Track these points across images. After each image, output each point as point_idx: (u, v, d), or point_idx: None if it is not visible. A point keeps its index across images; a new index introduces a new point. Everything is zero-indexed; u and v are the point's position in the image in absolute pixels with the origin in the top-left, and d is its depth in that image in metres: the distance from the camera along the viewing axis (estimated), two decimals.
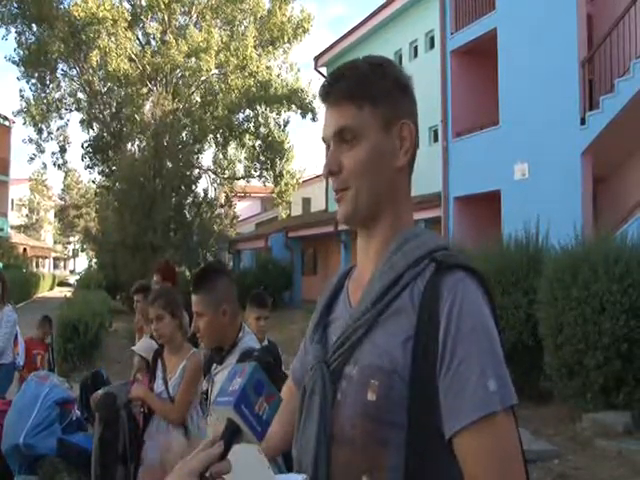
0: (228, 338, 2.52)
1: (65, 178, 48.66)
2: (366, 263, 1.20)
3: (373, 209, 1.16)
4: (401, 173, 1.18)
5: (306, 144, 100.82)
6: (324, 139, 1.21)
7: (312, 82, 28.65)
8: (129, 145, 26.25)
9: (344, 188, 1.15)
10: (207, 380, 2.63)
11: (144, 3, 26.01)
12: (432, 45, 17.88)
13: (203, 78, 26.46)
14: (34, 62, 25.81)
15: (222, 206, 27.64)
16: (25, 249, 38.39)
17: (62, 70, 27.53)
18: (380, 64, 1.19)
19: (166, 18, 26.27)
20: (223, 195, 28.76)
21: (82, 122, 27.49)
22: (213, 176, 29.06)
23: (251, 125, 28.31)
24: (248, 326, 2.78)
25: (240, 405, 0.96)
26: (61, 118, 28.20)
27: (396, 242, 1.15)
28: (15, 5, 25.63)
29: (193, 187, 26.12)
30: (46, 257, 54.49)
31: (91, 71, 25.97)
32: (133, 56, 25.59)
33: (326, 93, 1.19)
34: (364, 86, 1.15)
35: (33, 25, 25.99)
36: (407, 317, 1.07)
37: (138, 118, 25.26)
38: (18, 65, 26.46)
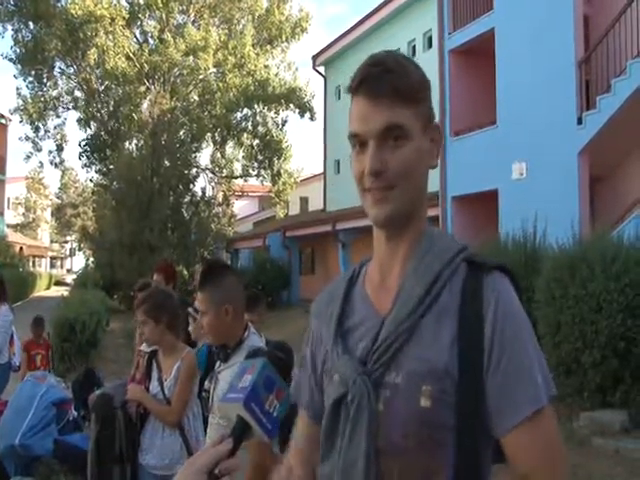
0: (233, 336, 2.49)
1: (62, 177, 48.55)
2: (392, 265, 1.17)
3: (411, 210, 1.15)
4: (428, 175, 1.18)
5: (304, 143, 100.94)
6: (362, 133, 1.12)
7: (310, 81, 28.72)
8: (127, 144, 26.24)
9: (389, 187, 1.11)
10: (210, 378, 2.61)
11: (142, 1, 26.02)
12: (430, 45, 17.87)
13: (201, 77, 26.46)
14: (31, 60, 25.79)
15: (220, 205, 27.63)
16: (21, 248, 38.28)
17: (59, 68, 27.57)
18: (413, 62, 1.18)
19: (164, 16, 26.26)
20: (221, 194, 28.75)
21: (79, 121, 27.48)
22: (211, 175, 29.07)
23: (249, 124, 28.32)
24: None
25: (250, 403, 0.96)
26: (58, 116, 28.26)
27: (424, 244, 1.15)
28: (12, 2, 25.62)
29: (191, 186, 26.13)
30: (43, 256, 54.37)
31: (88, 69, 25.96)
32: (131, 54, 25.58)
33: (375, 84, 1.11)
34: (413, 84, 1.13)
35: (30, 23, 25.95)
36: (450, 318, 1.08)
37: (136, 117, 25.26)
38: (15, 63, 26.44)
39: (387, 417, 1.08)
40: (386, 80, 1.10)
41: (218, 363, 2.57)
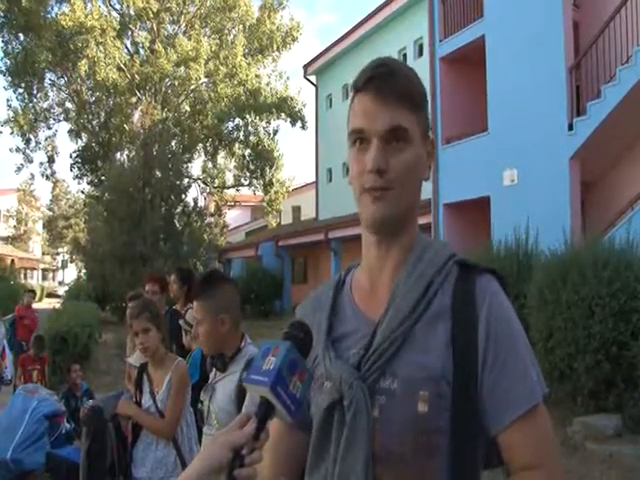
0: (230, 346, 2.50)
1: (53, 188, 48.42)
2: (382, 272, 1.16)
3: (406, 215, 1.14)
4: (421, 186, 1.18)
5: (296, 152, 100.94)
6: (367, 130, 1.10)
7: (301, 90, 28.84)
8: (118, 155, 26.20)
9: (387, 188, 1.10)
10: (205, 389, 2.58)
11: (132, 12, 26.02)
12: (421, 53, 17.98)
13: (192, 87, 26.47)
14: (21, 72, 25.74)
15: (212, 215, 27.59)
16: (13, 260, 38.04)
17: (50, 80, 27.53)
18: (415, 71, 1.17)
19: (155, 27, 26.29)
20: (213, 204, 28.72)
21: (70, 132, 27.43)
22: (203, 185, 29.04)
23: (241, 134, 28.35)
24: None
25: (276, 387, 0.97)
26: (49, 128, 28.19)
27: (416, 251, 1.15)
28: (1, 14, 25.56)
29: (183, 196, 26.06)
30: (34, 268, 54.02)
31: (79, 81, 25.93)
32: (122, 65, 25.58)
33: (383, 84, 1.10)
34: (417, 90, 1.14)
35: (20, 34, 25.93)
36: (443, 322, 1.09)
37: (127, 128, 25.23)
38: (5, 74, 26.38)
39: (382, 424, 1.06)
40: (393, 82, 1.10)
41: (213, 373, 2.56)
